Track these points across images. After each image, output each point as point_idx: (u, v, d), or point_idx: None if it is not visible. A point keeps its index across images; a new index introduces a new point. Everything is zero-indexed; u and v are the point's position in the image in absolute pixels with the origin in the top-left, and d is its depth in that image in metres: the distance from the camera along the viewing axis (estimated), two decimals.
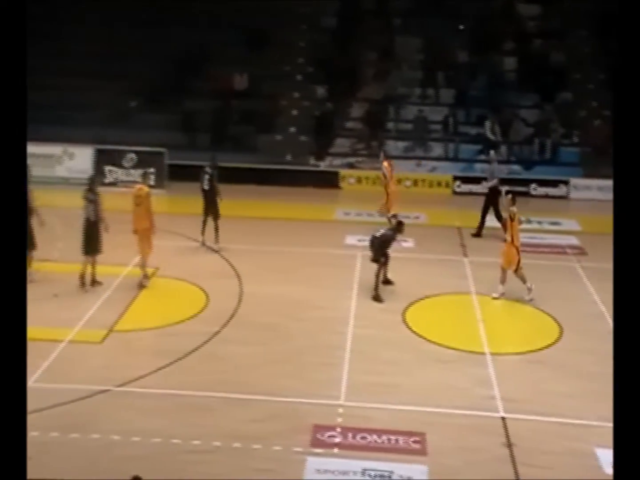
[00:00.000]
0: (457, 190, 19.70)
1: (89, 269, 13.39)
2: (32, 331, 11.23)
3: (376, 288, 13.19)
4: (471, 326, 12.44)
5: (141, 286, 13.51)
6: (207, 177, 15.34)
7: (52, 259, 14.31)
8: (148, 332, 12.01)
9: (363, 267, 14.69)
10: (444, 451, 9.28)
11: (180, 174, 19.34)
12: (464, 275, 14.33)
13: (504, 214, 14.23)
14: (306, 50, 22.99)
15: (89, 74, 21.31)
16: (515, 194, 13.92)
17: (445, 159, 20.44)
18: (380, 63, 22.51)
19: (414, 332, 12.26)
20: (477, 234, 16.33)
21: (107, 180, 19.26)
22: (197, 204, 17.13)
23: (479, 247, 15.82)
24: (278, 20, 22.72)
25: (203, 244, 15.35)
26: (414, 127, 21.07)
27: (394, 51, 22.75)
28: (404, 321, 12.63)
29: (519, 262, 13.10)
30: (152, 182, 19.12)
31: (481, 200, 16.66)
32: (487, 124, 20.66)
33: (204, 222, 15.35)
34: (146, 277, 13.66)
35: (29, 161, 14.80)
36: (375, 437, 9.55)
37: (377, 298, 13.16)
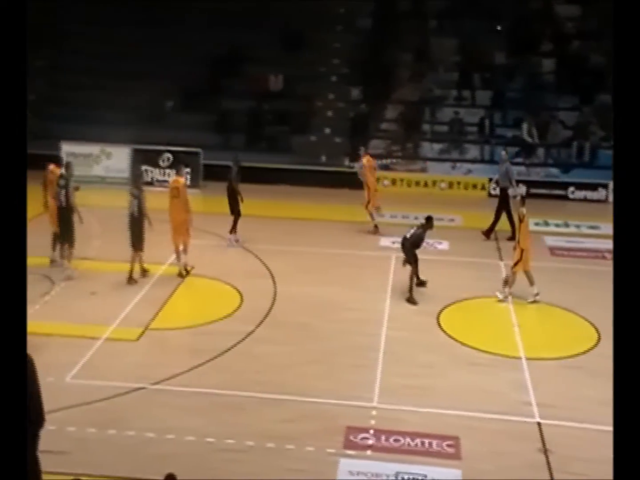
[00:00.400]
0: (493, 192, 19.48)
1: (136, 263, 13.68)
2: (70, 328, 11.57)
3: (410, 290, 13.15)
4: (506, 330, 12.31)
5: (181, 275, 13.81)
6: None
7: (90, 257, 14.51)
8: (183, 330, 12.11)
9: (397, 269, 14.62)
10: (478, 456, 9.20)
11: (215, 173, 19.43)
12: (500, 279, 14.18)
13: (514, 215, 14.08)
14: (341, 51, 22.98)
15: (126, 75, 21.57)
16: (524, 196, 13.93)
17: (481, 161, 20.26)
18: (416, 64, 22.41)
19: (448, 335, 12.17)
20: (487, 234, 16.16)
21: (143, 180, 19.44)
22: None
23: None
24: (314, 21, 22.75)
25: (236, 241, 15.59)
26: (450, 129, 20.94)
27: (429, 52, 22.63)
28: (438, 324, 12.55)
29: (517, 263, 13.00)
30: (187, 182, 19.47)
31: (517, 203, 16.45)
32: (525, 126, 20.44)
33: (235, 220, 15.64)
34: (184, 267, 13.95)
35: (71, 160, 15.24)
36: (408, 440, 9.50)
37: (411, 300, 13.11)
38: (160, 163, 19.57)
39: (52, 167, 14.90)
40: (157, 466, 8.52)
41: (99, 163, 19.12)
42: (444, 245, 15.84)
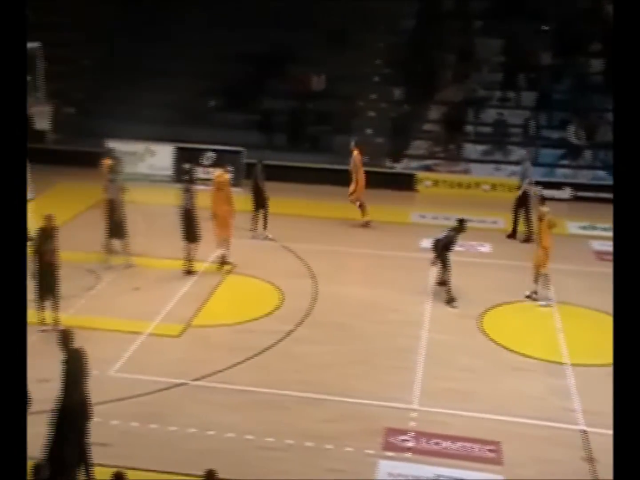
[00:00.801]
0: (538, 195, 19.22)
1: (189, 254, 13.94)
2: (114, 323, 11.73)
3: (448, 291, 13.05)
4: (550, 335, 12.11)
5: (221, 265, 14.03)
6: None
7: (133, 253, 14.67)
8: (224, 328, 12.18)
9: (438, 272, 14.52)
10: (520, 461, 9.08)
11: None
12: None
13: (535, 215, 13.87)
14: (384, 51, 22.88)
15: (170, 74, 21.81)
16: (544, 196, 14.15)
17: None
18: (460, 65, 22.18)
19: (491, 338, 12.03)
20: (525, 238, 15.92)
21: (195, 175, 19.64)
22: (274, 202, 17.31)
23: (560, 255, 15.37)
24: (357, 22, 22.70)
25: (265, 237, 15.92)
26: (494, 130, 20.69)
27: (473, 53, 22.39)
28: (480, 327, 12.41)
29: (544, 263, 12.91)
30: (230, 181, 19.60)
31: (563, 206, 16.28)
32: (572, 128, 20.08)
33: (256, 215, 15.92)
34: (223, 259, 14.18)
35: (122, 157, 15.56)
36: (449, 443, 9.42)
37: (450, 301, 13.00)
38: (203, 161, 19.72)
39: (104, 160, 15.32)
40: (197, 461, 8.60)
41: (144, 161, 19.33)
42: (487, 248, 15.65)
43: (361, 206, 16.60)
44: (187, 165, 15.30)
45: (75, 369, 8.13)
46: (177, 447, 9.20)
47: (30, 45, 20.64)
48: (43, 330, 11.32)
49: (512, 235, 16.19)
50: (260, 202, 15.91)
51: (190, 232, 13.83)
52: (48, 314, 11.64)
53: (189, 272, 13.89)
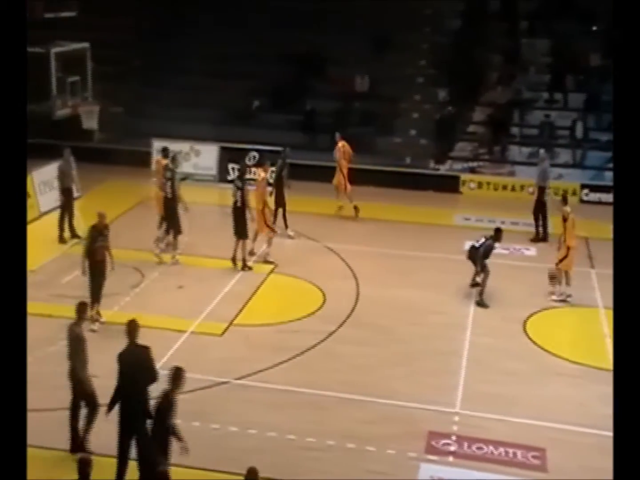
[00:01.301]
0: (585, 198, 18.91)
1: (238, 252, 14.15)
2: (158, 320, 11.84)
3: (481, 293, 13.08)
4: (597, 340, 11.87)
5: (266, 261, 14.25)
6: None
7: (177, 251, 14.83)
8: (266, 327, 12.23)
9: (474, 273, 14.36)
10: (565, 469, 8.93)
11: (300, 173, 19.55)
12: (590, 287, 13.72)
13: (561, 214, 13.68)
14: (428, 52, 22.74)
15: (215, 74, 22.00)
16: (566, 194, 14.10)
17: (573, 166, 19.62)
18: (506, 66, 21.92)
19: (535, 343, 11.85)
20: (540, 238, 15.93)
21: (229, 178, 19.80)
22: (317, 203, 17.36)
23: (608, 259, 15.06)
24: (401, 23, 22.60)
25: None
26: (540, 132, 20.37)
27: (520, 54, 22.10)
28: (525, 331, 12.24)
29: (562, 260, 12.96)
30: (272, 181, 19.67)
31: (611, 210, 15.91)
32: None
33: (276, 212, 15.97)
34: (249, 253, 14.42)
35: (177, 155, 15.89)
36: (492, 448, 9.32)
37: (481, 303, 13.02)
38: (247, 161, 19.83)
39: (158, 158, 15.56)
40: (238, 460, 8.65)
41: (188, 160, 19.50)
42: (532, 252, 15.43)
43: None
44: (240, 164, 15.33)
45: (133, 363, 8.25)
46: (218, 445, 9.27)
47: (79, 45, 21.29)
48: (93, 330, 11.42)
49: (538, 238, 15.99)
50: (280, 201, 16.07)
51: (239, 229, 14.04)
52: (99, 311, 11.84)
53: (244, 268, 14.12)
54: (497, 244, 13.34)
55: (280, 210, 16.09)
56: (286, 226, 15.97)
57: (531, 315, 12.75)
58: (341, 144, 17.25)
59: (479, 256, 13.09)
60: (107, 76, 21.99)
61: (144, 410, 8.19)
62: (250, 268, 14.18)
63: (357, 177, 19.36)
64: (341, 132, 21.07)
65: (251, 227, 14.31)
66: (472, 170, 20.11)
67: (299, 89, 21.99)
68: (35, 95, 20.44)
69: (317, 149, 20.70)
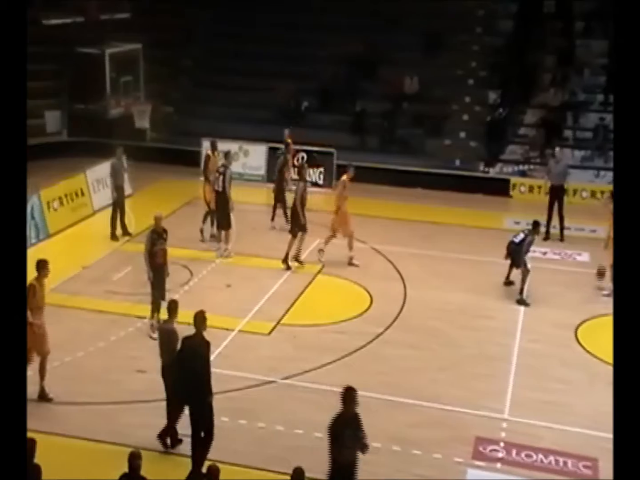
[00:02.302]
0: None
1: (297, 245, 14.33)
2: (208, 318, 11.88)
3: (521, 292, 13.11)
4: None
5: (350, 264, 14.30)
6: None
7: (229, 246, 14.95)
8: (313, 327, 12.23)
9: (532, 279, 14.12)
10: None
11: None
12: None
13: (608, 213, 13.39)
14: (480, 54, 22.47)
15: (265, 74, 22.12)
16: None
17: None
18: (559, 68, 21.53)
19: (587, 350, 11.61)
20: (562, 237, 16.00)
21: (307, 171, 19.86)
22: (365, 204, 17.29)
23: None
24: (453, 23, 22.39)
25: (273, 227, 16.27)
26: (594, 135, 19.94)
27: (574, 55, 21.68)
28: (577, 338, 12.00)
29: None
30: (320, 181, 19.73)
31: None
32: None
33: (275, 208, 16.24)
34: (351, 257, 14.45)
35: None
36: (541, 456, 9.17)
37: (522, 302, 13.03)
38: (295, 162, 19.86)
39: (208, 152, 15.81)
40: (284, 459, 8.69)
41: (237, 160, 19.60)
42: (584, 257, 15.11)
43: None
44: (300, 162, 15.65)
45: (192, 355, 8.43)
46: (265, 444, 9.31)
47: (132, 46, 21.66)
48: (153, 338, 11.33)
49: (548, 237, 16.00)
50: (279, 197, 16.12)
51: (296, 225, 14.26)
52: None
53: (299, 263, 14.31)
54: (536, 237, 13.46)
55: (280, 206, 16.20)
56: (287, 221, 15.75)
57: (583, 322, 12.49)
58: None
59: (522, 253, 13.14)
60: (158, 76, 22.33)
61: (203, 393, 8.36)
62: (297, 264, 14.21)
63: (405, 179, 19.32)
64: (390, 133, 21.13)
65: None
66: (523, 174, 19.80)
67: (349, 89, 21.96)
68: (90, 95, 21.02)
69: (366, 150, 20.67)
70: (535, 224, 13.44)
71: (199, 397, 8.44)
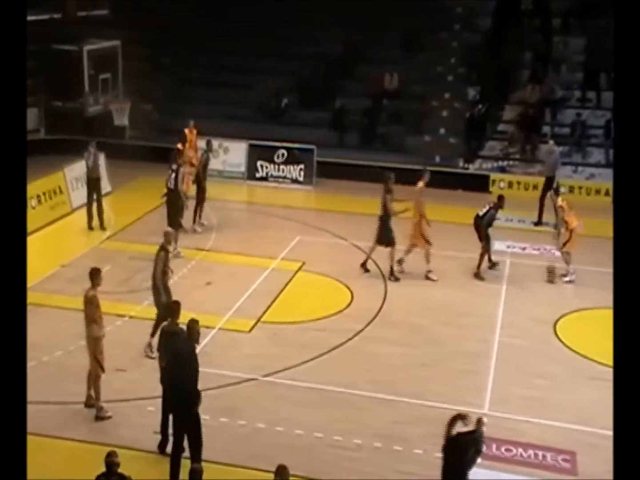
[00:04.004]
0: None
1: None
2: (186, 316, 11.81)
3: (479, 266, 13.82)
4: None
5: (427, 278, 13.82)
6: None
7: (206, 248, 14.90)
8: (294, 325, 12.22)
9: (511, 274, 14.24)
10: (596, 474, 8.79)
11: (329, 171, 19.55)
12: None
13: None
14: (459, 51, 22.55)
15: (244, 71, 22.04)
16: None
17: (606, 165, 19.31)
18: (537, 64, 21.66)
19: (566, 345, 11.70)
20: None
21: (258, 175, 19.85)
22: (345, 201, 17.29)
23: None
24: (432, 21, 22.45)
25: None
26: (572, 131, 20.11)
27: (551, 52, 21.82)
28: (556, 333, 12.09)
29: (567, 243, 13.91)
30: (301, 178, 19.71)
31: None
32: None
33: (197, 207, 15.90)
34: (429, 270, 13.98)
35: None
36: (521, 450, 9.23)
37: (478, 276, 13.78)
38: (275, 159, 19.86)
39: (179, 146, 16.30)
40: (266, 456, 8.67)
41: (217, 157, 19.54)
42: None
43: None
44: (386, 174, 14.59)
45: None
46: (246, 442, 9.28)
47: (110, 43, 21.47)
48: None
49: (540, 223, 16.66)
50: (201, 195, 15.85)
51: (173, 216, 14.18)
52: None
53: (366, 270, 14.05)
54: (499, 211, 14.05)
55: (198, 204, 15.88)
56: (199, 219, 15.81)
57: (562, 316, 12.59)
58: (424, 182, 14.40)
59: (483, 225, 13.78)
60: (137, 74, 22.16)
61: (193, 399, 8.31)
62: (368, 270, 14.01)
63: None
64: (370, 130, 21.13)
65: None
66: (502, 170, 19.92)
67: (329, 86, 21.95)
68: (68, 93, 20.79)
69: (346, 146, 20.67)
70: (500, 198, 14.05)
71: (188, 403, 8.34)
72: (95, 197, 15.88)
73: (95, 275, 9.51)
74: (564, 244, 13.87)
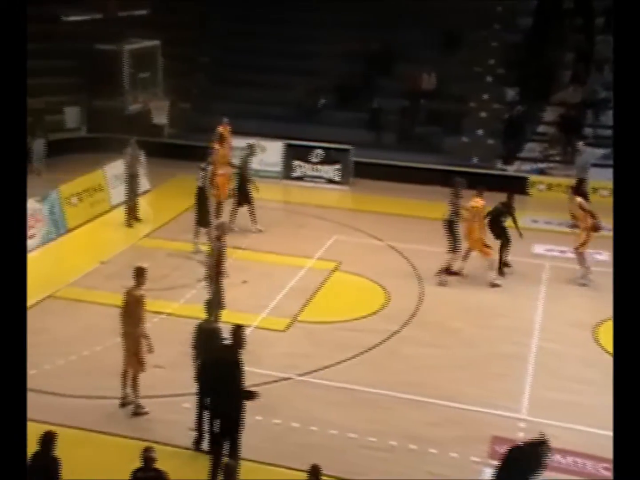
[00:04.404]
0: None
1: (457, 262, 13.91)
2: (223, 314, 11.93)
3: (444, 271, 13.50)
4: None
5: (492, 285, 13.50)
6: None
7: (242, 247, 14.98)
8: (329, 325, 12.21)
9: (551, 278, 14.05)
10: None
11: (365, 171, 19.52)
12: None
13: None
14: (498, 50, 22.32)
15: (282, 71, 22.11)
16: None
17: None
18: (579, 65, 21.34)
19: (606, 350, 11.49)
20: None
21: (294, 175, 19.89)
22: (381, 201, 17.23)
23: None
24: (471, 20, 22.25)
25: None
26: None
27: (594, 52, 21.47)
28: (595, 338, 11.89)
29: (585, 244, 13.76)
30: (337, 178, 19.70)
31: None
32: None
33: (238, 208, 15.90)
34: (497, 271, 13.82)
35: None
36: (559, 457, 9.06)
37: (442, 282, 13.45)
38: (312, 159, 19.87)
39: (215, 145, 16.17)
40: (299, 455, 8.69)
41: (254, 156, 19.62)
42: (604, 256, 14.92)
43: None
44: (477, 189, 14.15)
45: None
46: (280, 440, 9.30)
47: (150, 43, 21.73)
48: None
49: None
50: (244, 197, 15.78)
51: (201, 215, 14.41)
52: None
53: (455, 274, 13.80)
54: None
55: (247, 206, 15.83)
56: (254, 222, 15.76)
57: (602, 321, 12.36)
58: (579, 199, 14.34)
59: (451, 228, 13.48)
60: (176, 73, 22.39)
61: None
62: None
63: (422, 177, 19.22)
64: (407, 130, 21.01)
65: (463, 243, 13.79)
66: (542, 172, 19.65)
67: (366, 86, 21.89)
68: (108, 91, 21.11)
69: (383, 147, 20.60)
70: (510, 196, 14.05)
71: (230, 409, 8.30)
72: (133, 194, 16.08)
73: (140, 274, 9.48)
74: (581, 245, 13.69)
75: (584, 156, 17.03)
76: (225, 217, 15.39)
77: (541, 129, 20.68)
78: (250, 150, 16.31)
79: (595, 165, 18.26)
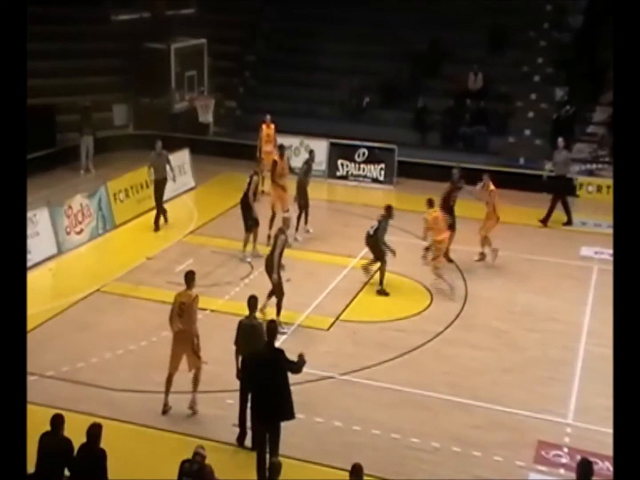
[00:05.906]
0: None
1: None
2: (267, 312, 11.96)
3: (381, 282, 13.07)
4: None
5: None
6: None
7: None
8: (373, 324, 12.16)
9: (599, 281, 13.75)
10: None
11: (410, 171, 19.39)
12: None
13: None
14: (547, 50, 21.96)
15: (327, 70, 22.10)
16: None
17: None
18: None
19: None
20: (544, 222, 16.39)
21: (338, 174, 19.87)
22: (426, 201, 17.01)
23: None
24: (520, 19, 21.94)
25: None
26: None
27: None
28: None
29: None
30: (381, 178, 19.61)
31: None
32: None
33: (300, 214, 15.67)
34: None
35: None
36: (607, 464, 8.88)
37: (382, 292, 13.04)
38: (356, 158, 19.82)
39: (276, 158, 15.90)
40: (342, 455, 8.67)
41: (298, 155, 19.68)
42: None
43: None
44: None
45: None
46: (322, 439, 9.30)
47: (197, 41, 21.92)
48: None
49: (545, 221, 16.42)
50: (305, 201, 15.63)
51: (246, 221, 14.33)
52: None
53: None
54: (390, 221, 13.26)
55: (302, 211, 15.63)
56: (306, 222, 15.63)
57: None
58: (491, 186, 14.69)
59: (378, 242, 12.97)
60: (222, 71, 22.55)
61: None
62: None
63: (468, 177, 18.94)
64: (452, 130, 20.80)
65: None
66: (591, 173, 19.27)
67: (411, 86, 21.76)
68: (155, 89, 21.36)
69: (428, 146, 20.44)
70: (387, 208, 13.19)
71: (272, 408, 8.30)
72: (159, 198, 15.77)
73: (191, 278, 9.63)
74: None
75: (564, 152, 16.68)
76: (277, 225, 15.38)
77: (591, 129, 20.27)
78: (311, 156, 16.19)
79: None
